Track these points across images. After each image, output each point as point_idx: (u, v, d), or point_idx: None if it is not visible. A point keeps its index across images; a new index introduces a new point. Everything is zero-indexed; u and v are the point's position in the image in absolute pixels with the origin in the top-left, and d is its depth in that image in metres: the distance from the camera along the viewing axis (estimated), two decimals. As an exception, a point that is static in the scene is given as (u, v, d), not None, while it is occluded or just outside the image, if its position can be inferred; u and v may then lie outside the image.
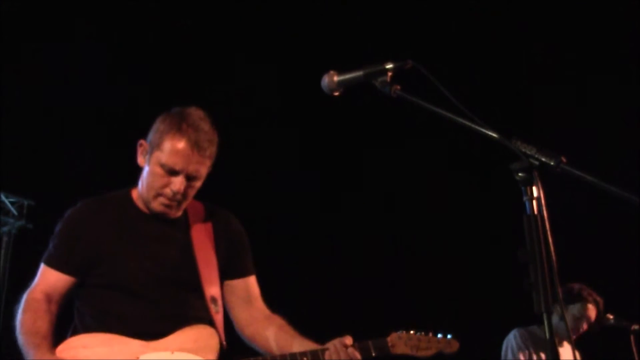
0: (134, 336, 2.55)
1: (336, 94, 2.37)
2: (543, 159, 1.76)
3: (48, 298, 2.65)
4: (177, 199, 2.64)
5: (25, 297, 2.67)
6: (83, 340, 2.58)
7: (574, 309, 4.57)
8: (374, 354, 2.65)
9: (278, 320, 2.83)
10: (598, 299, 4.62)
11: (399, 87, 2.07)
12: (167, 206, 2.65)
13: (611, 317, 4.60)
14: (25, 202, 6.45)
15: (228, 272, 2.82)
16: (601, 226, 6.13)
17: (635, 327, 4.50)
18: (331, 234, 6.84)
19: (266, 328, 2.80)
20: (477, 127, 1.88)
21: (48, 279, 2.69)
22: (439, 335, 2.78)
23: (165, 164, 2.59)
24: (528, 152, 1.77)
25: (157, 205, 2.66)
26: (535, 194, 1.74)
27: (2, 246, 6.25)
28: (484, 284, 6.33)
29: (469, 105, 1.87)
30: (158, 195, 2.63)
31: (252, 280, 2.88)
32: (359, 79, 2.19)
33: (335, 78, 2.31)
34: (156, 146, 2.62)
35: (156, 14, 6.23)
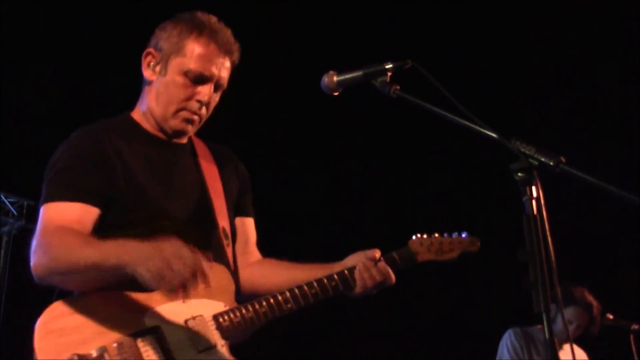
0: (135, 288, 2.04)
1: (336, 94, 2.38)
2: (542, 159, 1.76)
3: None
4: (201, 113, 2.30)
5: (46, 236, 2.11)
6: (73, 305, 2.06)
7: (564, 313, 4.55)
8: (401, 266, 2.44)
9: (274, 260, 2.52)
10: (592, 303, 4.59)
11: (398, 87, 2.07)
12: (188, 121, 2.29)
13: (611, 316, 4.60)
14: (25, 202, 6.45)
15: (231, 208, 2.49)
16: (601, 226, 6.13)
17: (635, 326, 4.50)
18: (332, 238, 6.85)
19: (265, 267, 2.49)
20: (476, 127, 1.88)
21: (67, 215, 2.12)
22: (456, 235, 2.60)
23: (193, 70, 2.24)
24: (527, 152, 1.77)
25: (177, 122, 2.29)
26: (534, 194, 1.74)
27: (2, 246, 6.24)
28: (482, 284, 6.33)
29: (469, 105, 1.87)
30: (180, 110, 2.28)
31: (251, 223, 2.56)
32: (359, 79, 2.20)
33: (335, 78, 2.32)
34: (175, 52, 2.26)
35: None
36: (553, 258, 1.71)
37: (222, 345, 2.12)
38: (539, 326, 4.36)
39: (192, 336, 2.09)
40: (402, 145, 6.88)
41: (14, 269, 6.14)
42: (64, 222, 2.10)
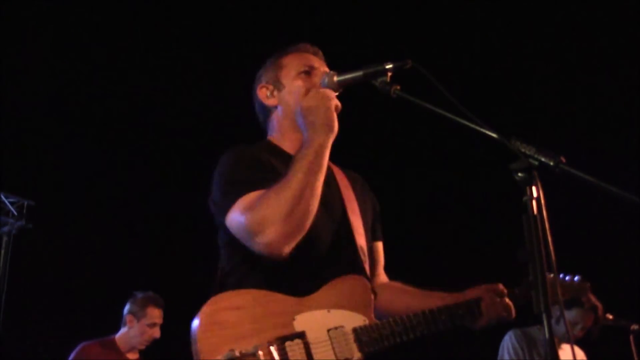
0: (286, 291, 2.18)
1: (336, 94, 2.38)
2: (542, 159, 1.76)
3: None
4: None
5: (250, 212, 2.13)
6: (233, 299, 2.14)
7: (569, 315, 4.56)
8: (520, 302, 2.47)
9: (400, 284, 2.61)
10: (597, 304, 4.59)
11: (398, 87, 2.07)
12: None
13: (611, 317, 4.60)
14: (25, 202, 6.46)
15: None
16: (601, 226, 6.13)
17: (635, 326, 4.50)
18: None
19: (392, 292, 2.57)
20: (476, 127, 1.88)
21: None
22: (570, 277, 2.64)
23: (300, 69, 2.46)
24: (527, 152, 1.77)
25: None
26: (534, 194, 1.74)
27: (2, 246, 6.25)
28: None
29: (469, 105, 1.87)
30: None
31: (381, 246, 2.65)
32: (359, 79, 2.20)
33: (335, 78, 2.32)
34: (279, 69, 2.49)
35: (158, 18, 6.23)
36: (553, 258, 1.71)
37: (359, 358, 2.19)
38: (539, 326, 4.37)
39: (333, 345, 2.17)
40: (400, 144, 6.89)
41: (14, 269, 6.14)
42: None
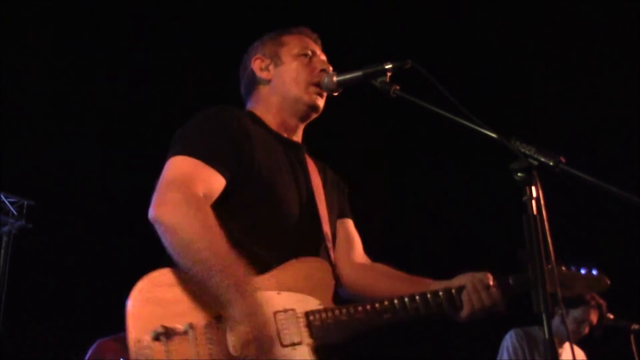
0: None
1: (336, 93, 2.39)
2: (542, 159, 1.76)
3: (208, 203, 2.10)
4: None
5: (180, 193, 2.04)
6: (170, 276, 2.01)
7: (575, 313, 4.58)
8: (516, 292, 2.25)
9: (382, 266, 2.51)
10: (601, 302, 4.62)
11: (398, 87, 2.08)
12: (319, 94, 2.42)
13: (611, 316, 4.61)
14: (25, 202, 6.45)
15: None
16: (601, 226, 6.13)
17: (635, 326, 4.50)
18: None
19: (373, 273, 2.48)
20: (476, 127, 1.89)
21: (208, 179, 2.11)
22: (586, 271, 2.37)
23: (301, 50, 2.47)
24: (527, 152, 1.77)
25: (310, 96, 2.41)
26: (534, 194, 1.74)
27: (2, 246, 6.24)
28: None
29: (469, 105, 1.87)
30: (308, 85, 2.41)
31: (352, 224, 2.59)
32: (359, 79, 2.21)
33: (335, 78, 2.33)
34: (279, 46, 2.49)
35: (157, 15, 6.23)
36: (553, 258, 1.71)
37: (308, 344, 2.06)
38: (540, 326, 4.38)
39: (278, 329, 2.03)
40: (400, 144, 6.88)
41: (14, 269, 6.14)
42: (204, 187, 2.08)
